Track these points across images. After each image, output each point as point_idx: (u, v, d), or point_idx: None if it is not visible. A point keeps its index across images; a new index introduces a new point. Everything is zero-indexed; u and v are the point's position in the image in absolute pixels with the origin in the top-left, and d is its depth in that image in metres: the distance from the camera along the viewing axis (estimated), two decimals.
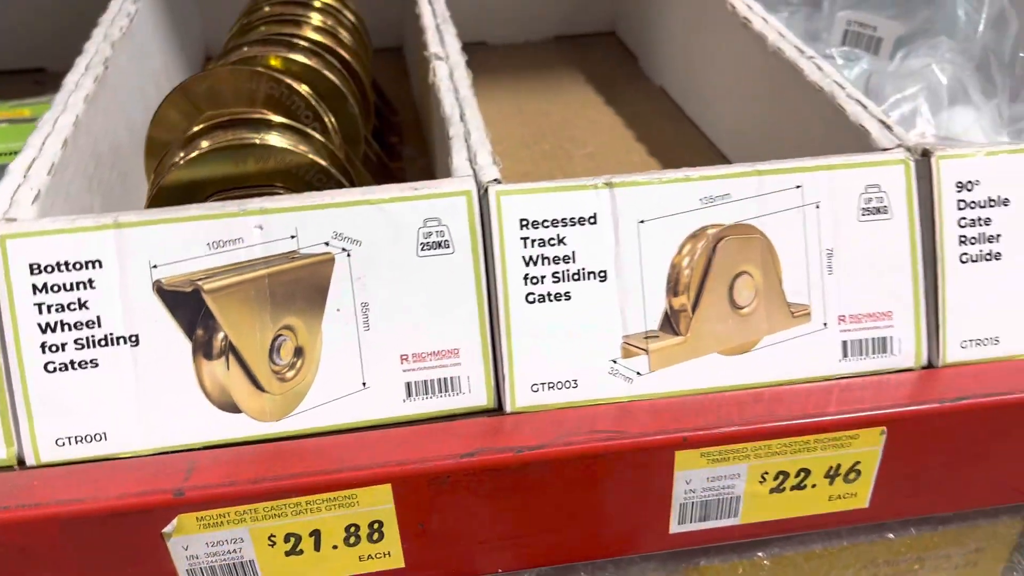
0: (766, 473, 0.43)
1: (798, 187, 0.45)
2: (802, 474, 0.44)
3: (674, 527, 0.44)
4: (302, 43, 0.59)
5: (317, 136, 0.47)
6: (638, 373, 0.44)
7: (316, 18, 0.66)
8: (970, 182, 0.45)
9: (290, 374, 0.42)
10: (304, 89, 0.51)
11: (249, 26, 0.65)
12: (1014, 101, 0.63)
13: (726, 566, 0.51)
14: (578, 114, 0.82)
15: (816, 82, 0.53)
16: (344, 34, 0.66)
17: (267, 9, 0.67)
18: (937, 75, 0.62)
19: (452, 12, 0.61)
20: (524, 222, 0.43)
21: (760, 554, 0.51)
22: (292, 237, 0.41)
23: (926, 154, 0.45)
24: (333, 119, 0.54)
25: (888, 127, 0.48)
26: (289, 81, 0.51)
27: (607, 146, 0.75)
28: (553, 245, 0.43)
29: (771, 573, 0.52)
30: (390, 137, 0.69)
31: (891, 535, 0.56)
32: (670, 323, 0.44)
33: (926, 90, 0.61)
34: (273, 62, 0.57)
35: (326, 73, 0.57)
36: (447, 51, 0.57)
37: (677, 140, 0.76)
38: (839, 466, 0.44)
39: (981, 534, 0.57)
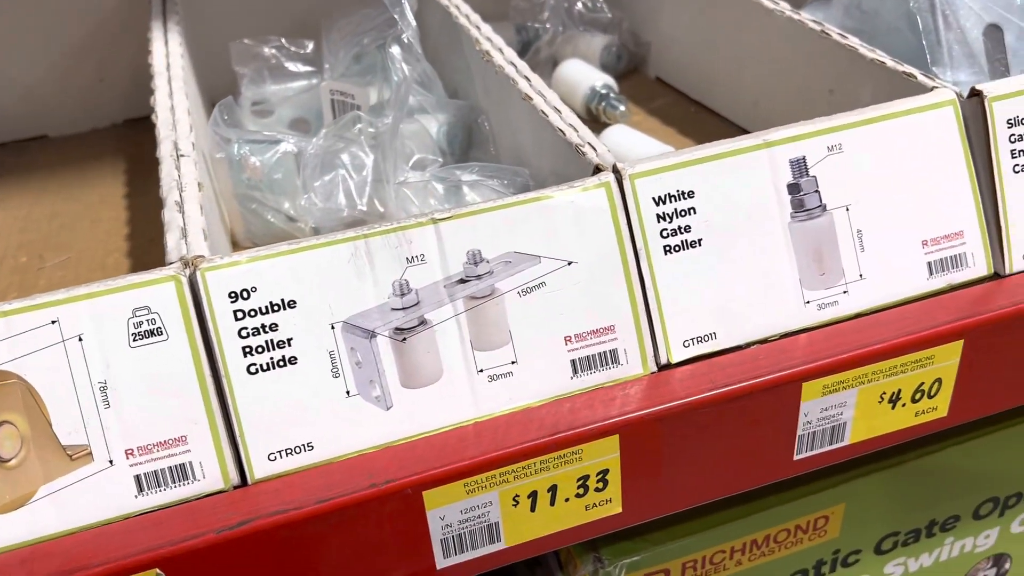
0: None
1: (54, 322, 0.42)
2: None
3: None
4: None
5: None
6: None
7: None
8: (245, 290, 0.44)
9: None
10: None
11: None
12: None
13: None
14: (85, 214, 0.77)
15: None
16: None
17: None
18: (361, 152, 0.61)
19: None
20: None
21: None
22: None
23: (194, 270, 0.43)
24: None
25: (185, 235, 0.46)
26: None
27: (91, 249, 0.71)
28: None
29: None
30: None
31: None
32: None
33: (349, 168, 0.61)
34: None
35: None
36: None
37: None
38: None
39: None
